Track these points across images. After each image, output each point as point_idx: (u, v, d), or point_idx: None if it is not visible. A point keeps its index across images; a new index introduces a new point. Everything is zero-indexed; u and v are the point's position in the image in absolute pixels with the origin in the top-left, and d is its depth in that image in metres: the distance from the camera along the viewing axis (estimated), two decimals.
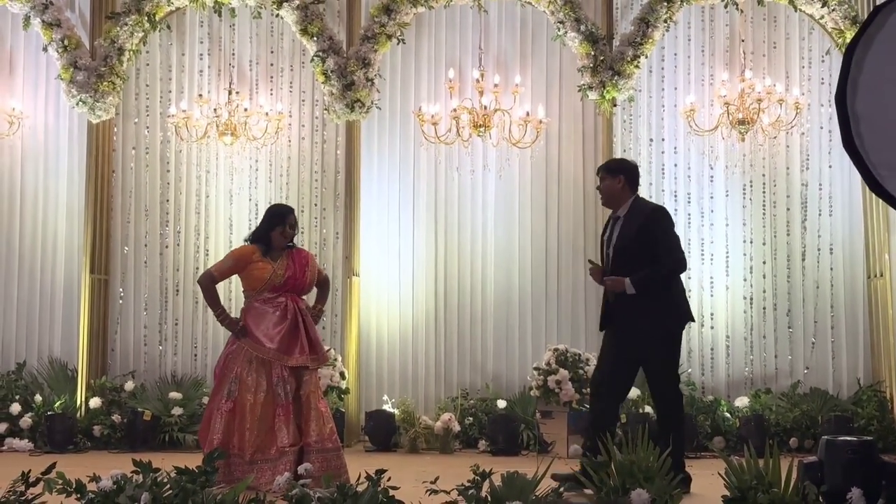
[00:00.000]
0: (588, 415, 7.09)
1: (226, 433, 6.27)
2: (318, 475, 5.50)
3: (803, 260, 9.46)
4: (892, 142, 3.32)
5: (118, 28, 9.61)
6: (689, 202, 9.56)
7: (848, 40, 8.96)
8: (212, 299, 6.52)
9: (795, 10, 9.46)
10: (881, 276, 9.04)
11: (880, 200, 8.90)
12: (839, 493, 4.48)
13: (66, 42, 9.61)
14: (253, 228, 7.10)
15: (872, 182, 3.32)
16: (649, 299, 6.20)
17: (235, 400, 6.30)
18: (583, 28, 9.29)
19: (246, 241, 6.67)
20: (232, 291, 9.34)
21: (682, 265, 6.40)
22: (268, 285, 6.43)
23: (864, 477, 4.52)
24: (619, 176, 6.52)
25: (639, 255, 6.28)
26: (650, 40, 9.29)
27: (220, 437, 6.24)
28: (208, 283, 6.51)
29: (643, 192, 9.43)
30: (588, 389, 7.78)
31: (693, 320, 6.60)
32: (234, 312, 9.39)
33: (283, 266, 6.48)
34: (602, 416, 6.28)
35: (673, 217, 6.58)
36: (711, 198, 9.56)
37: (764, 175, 9.52)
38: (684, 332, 6.55)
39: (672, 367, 6.36)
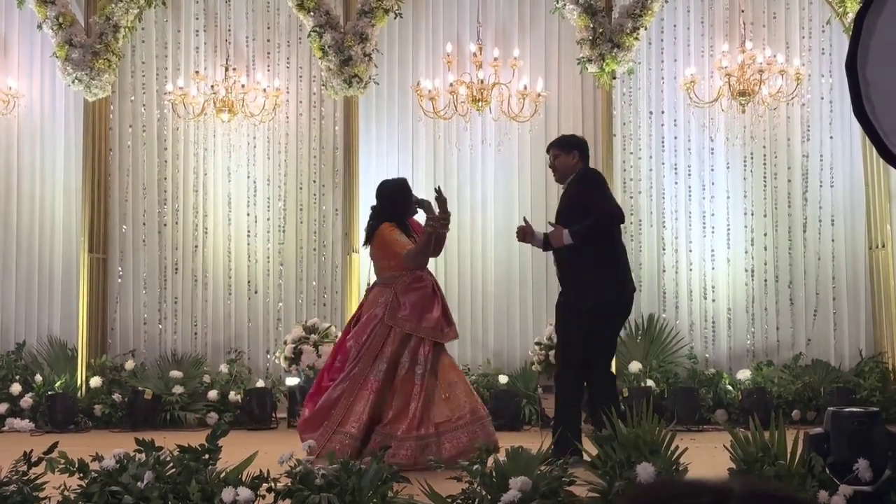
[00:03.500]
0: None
1: (373, 411, 6.15)
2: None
3: (804, 231, 9.42)
4: None
5: (113, 4, 9.51)
6: (689, 175, 9.52)
7: (848, 9, 8.89)
8: (424, 247, 6.35)
9: None
10: (882, 247, 9.02)
11: (881, 171, 8.89)
12: (845, 464, 4.45)
13: (60, 19, 9.51)
14: (378, 209, 6.82)
15: (883, 149, 3.28)
16: (575, 272, 6.27)
17: (382, 379, 6.19)
18: (581, 0, 9.21)
19: (370, 222, 6.59)
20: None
21: (607, 216, 6.29)
22: None
23: (870, 448, 4.50)
24: (573, 151, 6.56)
25: (576, 219, 6.31)
26: (649, 12, 9.21)
27: (366, 419, 6.12)
28: (414, 254, 6.34)
29: (644, 164, 9.47)
30: None
31: (622, 305, 6.46)
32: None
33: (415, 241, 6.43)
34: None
35: (605, 177, 6.62)
36: (712, 170, 9.51)
37: (765, 147, 9.47)
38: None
39: (568, 345, 6.34)
